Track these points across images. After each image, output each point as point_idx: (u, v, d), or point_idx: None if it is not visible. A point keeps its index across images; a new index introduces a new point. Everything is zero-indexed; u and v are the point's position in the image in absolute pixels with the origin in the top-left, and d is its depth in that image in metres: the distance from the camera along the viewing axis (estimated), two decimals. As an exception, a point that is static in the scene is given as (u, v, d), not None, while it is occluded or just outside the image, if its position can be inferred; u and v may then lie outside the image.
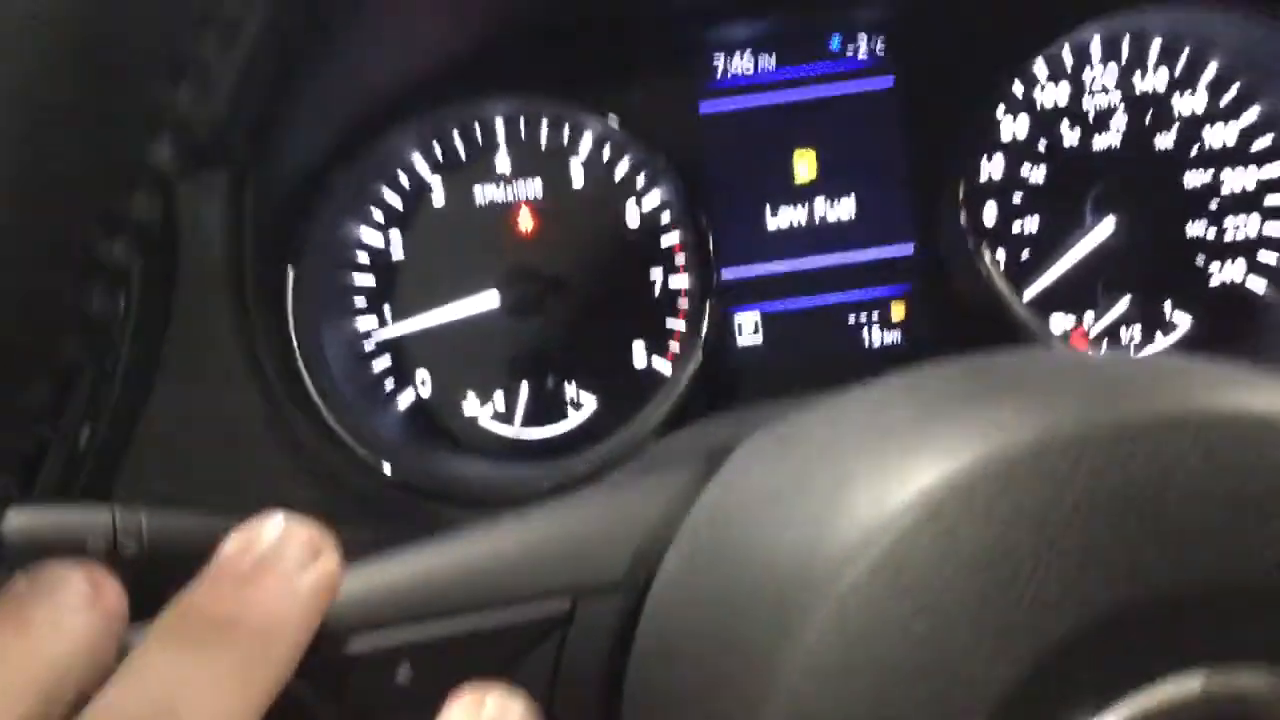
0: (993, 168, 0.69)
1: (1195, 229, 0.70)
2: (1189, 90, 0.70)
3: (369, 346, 0.69)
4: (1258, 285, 0.70)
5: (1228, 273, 0.71)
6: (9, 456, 0.26)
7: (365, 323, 0.69)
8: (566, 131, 0.68)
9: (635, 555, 0.34)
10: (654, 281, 0.70)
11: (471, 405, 0.70)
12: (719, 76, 0.69)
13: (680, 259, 0.69)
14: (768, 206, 0.69)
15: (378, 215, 0.68)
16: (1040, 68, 0.69)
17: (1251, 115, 0.69)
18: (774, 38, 0.69)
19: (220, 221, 0.57)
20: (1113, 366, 0.30)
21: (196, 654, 0.27)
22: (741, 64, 0.69)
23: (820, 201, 0.69)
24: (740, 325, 0.69)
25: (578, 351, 0.69)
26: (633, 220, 0.69)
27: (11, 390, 0.24)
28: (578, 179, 0.69)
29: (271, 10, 0.51)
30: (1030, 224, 0.70)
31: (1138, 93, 0.70)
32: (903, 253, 0.69)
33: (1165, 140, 0.70)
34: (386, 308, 0.69)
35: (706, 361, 0.66)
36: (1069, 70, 0.69)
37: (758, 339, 0.70)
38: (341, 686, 0.32)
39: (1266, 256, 0.70)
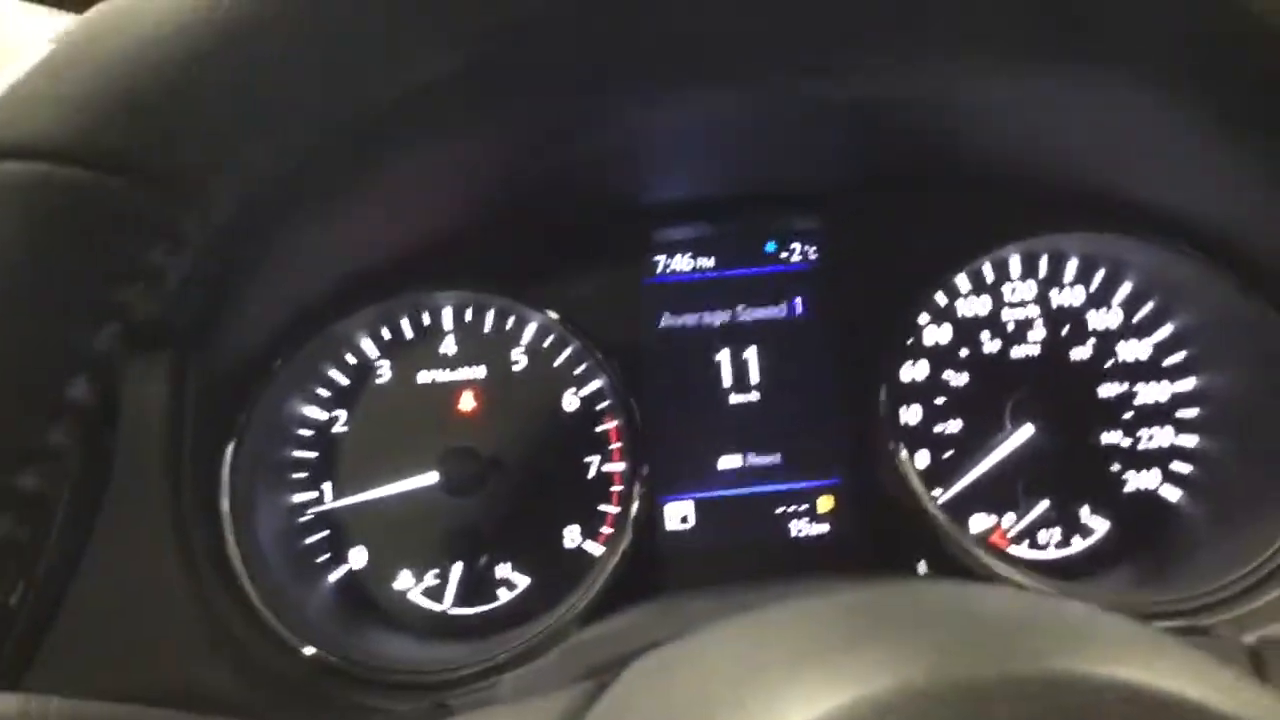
0: (916, 371, 0.73)
1: (1111, 438, 0.73)
2: (1104, 307, 0.74)
3: (306, 519, 0.70)
4: (1171, 494, 0.73)
5: (1142, 480, 0.73)
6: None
7: (303, 496, 0.70)
8: (511, 321, 0.72)
9: None
10: (588, 464, 0.72)
11: (404, 580, 0.71)
12: (659, 272, 0.73)
13: (615, 446, 0.72)
14: (701, 403, 0.72)
15: (323, 392, 0.71)
16: (963, 280, 0.73)
17: (1164, 331, 0.73)
18: (713, 240, 0.73)
19: (161, 402, 0.58)
20: (978, 616, 0.32)
21: None
22: (681, 263, 0.73)
23: (752, 401, 0.72)
24: (670, 513, 0.71)
25: (512, 531, 0.71)
26: (570, 405, 0.72)
27: None
28: (519, 365, 0.72)
29: (224, 220, 0.54)
30: (952, 426, 0.73)
31: (1054, 307, 0.74)
32: (833, 447, 0.72)
33: (1081, 352, 0.73)
34: (327, 484, 0.71)
35: (636, 545, 0.68)
36: (989, 284, 0.73)
37: (688, 526, 0.72)
38: None
39: (1180, 466, 0.73)
